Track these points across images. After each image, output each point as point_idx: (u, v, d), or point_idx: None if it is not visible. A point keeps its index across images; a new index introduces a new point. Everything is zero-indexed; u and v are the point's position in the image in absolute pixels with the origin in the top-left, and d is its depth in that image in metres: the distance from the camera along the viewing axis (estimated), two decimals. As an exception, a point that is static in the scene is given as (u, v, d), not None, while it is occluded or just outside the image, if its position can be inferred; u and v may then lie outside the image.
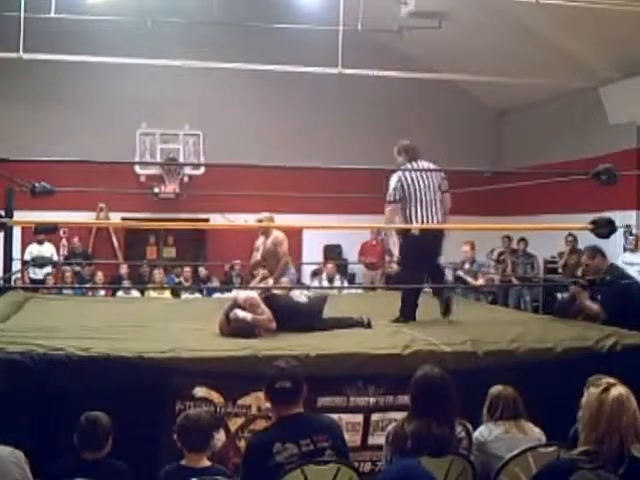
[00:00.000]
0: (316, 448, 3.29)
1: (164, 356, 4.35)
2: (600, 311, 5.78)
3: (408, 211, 5.80)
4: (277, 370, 3.42)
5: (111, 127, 12.97)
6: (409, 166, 5.89)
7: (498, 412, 3.78)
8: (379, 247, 13.11)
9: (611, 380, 2.85)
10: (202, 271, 12.41)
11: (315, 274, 12.95)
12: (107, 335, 4.88)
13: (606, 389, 2.79)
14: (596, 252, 5.99)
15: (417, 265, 5.89)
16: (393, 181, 5.82)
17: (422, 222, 5.75)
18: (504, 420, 3.76)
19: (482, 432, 3.75)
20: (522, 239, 12.34)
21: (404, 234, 5.88)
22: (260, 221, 6.54)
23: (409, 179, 5.80)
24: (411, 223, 5.76)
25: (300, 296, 5.76)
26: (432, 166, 6.02)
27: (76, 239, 12.78)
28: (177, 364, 4.32)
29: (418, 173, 5.82)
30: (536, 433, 3.73)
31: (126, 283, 11.26)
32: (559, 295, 10.64)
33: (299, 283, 12.21)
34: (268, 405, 4.23)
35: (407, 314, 5.87)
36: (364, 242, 13.28)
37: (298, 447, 3.26)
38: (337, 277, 12.09)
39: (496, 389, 3.88)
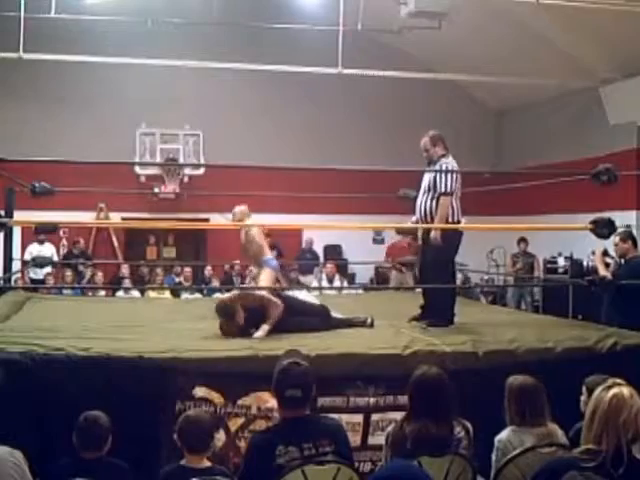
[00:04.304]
0: (318, 453, 3.27)
1: (164, 356, 4.35)
2: (607, 277, 6.26)
3: (454, 205, 5.75)
4: (287, 376, 3.37)
5: (111, 127, 12.97)
6: (450, 158, 5.80)
7: (527, 412, 3.60)
8: (412, 248, 12.62)
9: (618, 380, 2.86)
10: (207, 271, 12.36)
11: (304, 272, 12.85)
12: (107, 335, 4.89)
13: (608, 388, 2.80)
14: (629, 238, 6.55)
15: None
16: (449, 172, 5.69)
17: (460, 218, 5.80)
18: (534, 422, 3.57)
19: (511, 440, 3.56)
20: (522, 239, 12.34)
21: (453, 230, 5.75)
22: (234, 215, 6.58)
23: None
24: (456, 217, 5.74)
25: (309, 296, 5.79)
26: None
27: (81, 240, 12.76)
28: (177, 364, 4.32)
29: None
30: (564, 439, 3.58)
31: (126, 283, 11.26)
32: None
33: (298, 283, 12.23)
34: (268, 405, 4.25)
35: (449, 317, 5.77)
36: (392, 243, 12.81)
37: (300, 451, 3.24)
38: (337, 277, 12.07)
39: (516, 380, 3.71)
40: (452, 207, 5.71)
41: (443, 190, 5.65)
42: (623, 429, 2.70)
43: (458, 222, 5.78)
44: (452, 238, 5.74)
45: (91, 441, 3.49)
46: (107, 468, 3.44)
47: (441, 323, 5.57)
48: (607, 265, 6.73)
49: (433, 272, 5.84)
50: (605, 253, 6.95)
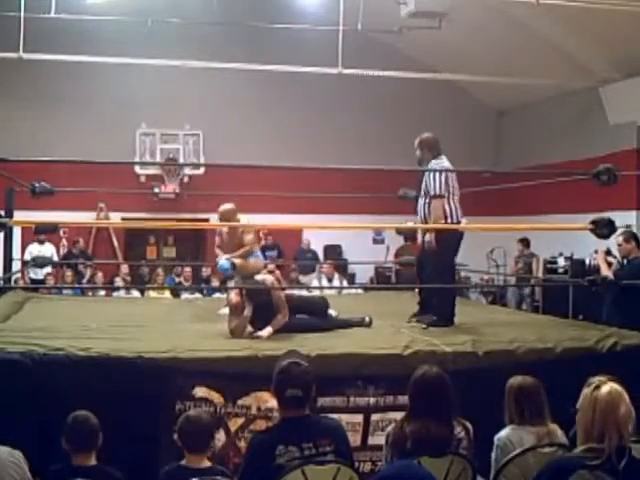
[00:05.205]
0: (318, 452, 3.27)
1: (164, 356, 4.35)
2: (609, 276, 6.29)
3: (451, 206, 5.72)
4: (287, 376, 3.36)
5: (111, 127, 12.97)
6: (439, 161, 5.80)
7: (526, 410, 3.60)
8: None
9: (602, 378, 2.90)
10: (205, 270, 12.38)
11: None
12: (107, 335, 4.89)
13: (597, 387, 2.85)
14: (632, 238, 6.57)
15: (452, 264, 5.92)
16: (437, 175, 5.65)
17: (460, 218, 5.77)
18: (533, 422, 3.57)
19: (511, 438, 3.56)
20: (523, 239, 12.35)
21: (450, 231, 5.72)
22: (223, 215, 6.52)
23: (448, 174, 5.72)
24: (455, 217, 5.71)
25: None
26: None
27: (81, 240, 12.76)
28: (177, 364, 4.32)
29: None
30: (564, 439, 3.56)
31: (122, 283, 11.26)
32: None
33: (298, 283, 12.24)
34: (268, 405, 4.25)
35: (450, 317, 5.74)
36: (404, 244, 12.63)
37: (300, 450, 3.24)
38: (336, 276, 12.06)
39: (515, 379, 3.73)
40: (451, 208, 5.69)
41: (432, 193, 5.66)
42: (623, 423, 2.76)
43: (458, 223, 5.77)
44: (451, 239, 5.73)
45: (82, 441, 3.43)
46: (101, 476, 3.38)
47: (441, 323, 5.57)
48: (610, 264, 6.74)
49: (433, 273, 5.85)
50: (608, 252, 6.96)
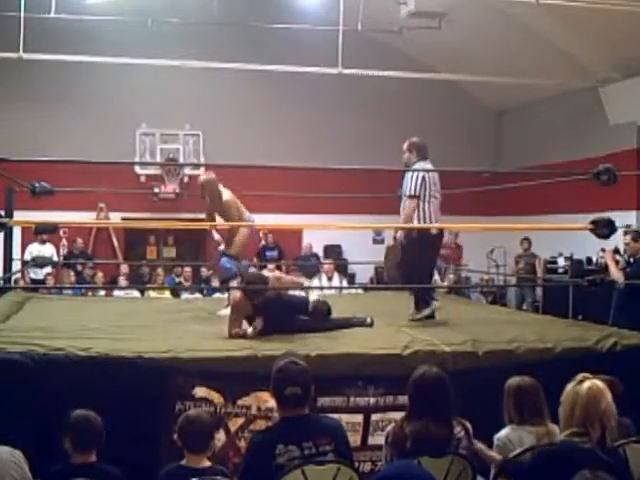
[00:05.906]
0: (318, 451, 3.27)
1: (164, 356, 4.35)
2: (621, 279, 6.35)
3: (424, 209, 5.79)
4: (286, 374, 3.37)
5: (111, 127, 12.97)
6: (423, 164, 5.88)
7: (525, 410, 3.61)
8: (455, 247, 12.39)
9: (587, 374, 2.96)
10: (202, 271, 12.40)
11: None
12: (107, 335, 4.89)
13: (580, 382, 2.92)
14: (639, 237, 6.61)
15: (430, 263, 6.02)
16: (415, 176, 5.76)
17: (436, 220, 5.84)
18: (533, 422, 3.58)
19: (510, 437, 3.57)
20: (526, 239, 12.36)
21: (422, 232, 5.81)
22: (202, 184, 6.72)
23: (427, 177, 5.80)
24: (427, 221, 5.77)
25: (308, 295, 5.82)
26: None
27: (80, 240, 12.77)
28: (177, 364, 4.32)
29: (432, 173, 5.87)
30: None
31: (123, 283, 11.27)
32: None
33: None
34: (268, 405, 4.25)
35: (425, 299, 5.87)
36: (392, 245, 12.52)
37: (300, 450, 3.24)
38: (336, 275, 12.04)
39: (514, 380, 3.74)
40: (424, 211, 5.77)
41: (407, 193, 5.79)
42: (605, 417, 2.83)
43: (428, 228, 5.81)
44: (423, 240, 5.79)
45: (84, 441, 3.43)
46: (99, 474, 3.37)
47: (422, 309, 5.75)
48: (617, 263, 6.77)
49: (410, 270, 5.98)
50: (616, 251, 6.98)
